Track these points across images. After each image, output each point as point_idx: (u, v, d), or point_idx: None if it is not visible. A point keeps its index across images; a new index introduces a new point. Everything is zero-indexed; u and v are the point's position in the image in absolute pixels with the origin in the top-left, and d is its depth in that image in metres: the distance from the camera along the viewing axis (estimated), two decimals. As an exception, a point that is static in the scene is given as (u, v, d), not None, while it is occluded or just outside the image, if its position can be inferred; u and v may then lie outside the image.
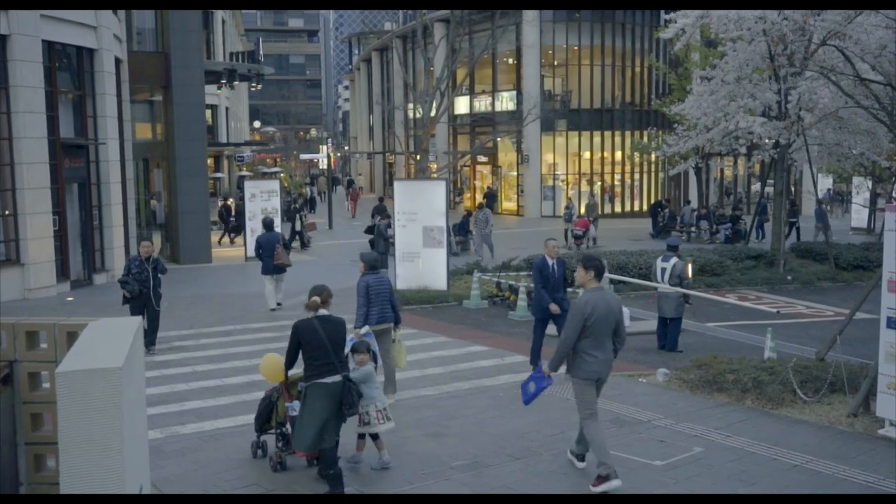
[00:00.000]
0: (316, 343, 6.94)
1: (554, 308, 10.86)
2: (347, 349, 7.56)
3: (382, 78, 59.67)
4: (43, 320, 3.92)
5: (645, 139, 38.56)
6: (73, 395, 3.03)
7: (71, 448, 3.05)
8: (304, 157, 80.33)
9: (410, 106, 44.74)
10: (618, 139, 42.99)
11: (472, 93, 44.49)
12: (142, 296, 12.34)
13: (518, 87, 41.92)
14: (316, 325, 7.00)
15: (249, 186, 25.49)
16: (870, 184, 32.70)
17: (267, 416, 7.85)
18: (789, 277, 20.47)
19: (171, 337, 13.59)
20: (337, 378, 6.96)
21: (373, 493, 7.04)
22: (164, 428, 8.83)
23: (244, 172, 43.79)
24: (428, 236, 17.27)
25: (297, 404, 7.38)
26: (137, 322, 3.80)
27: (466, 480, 7.31)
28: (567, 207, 30.31)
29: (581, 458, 7.67)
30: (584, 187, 43.31)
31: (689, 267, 13.55)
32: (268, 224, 16.68)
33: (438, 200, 17.34)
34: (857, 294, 12.08)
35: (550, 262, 11.07)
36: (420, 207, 17.38)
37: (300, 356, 7.13)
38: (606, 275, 14.47)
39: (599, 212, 33.85)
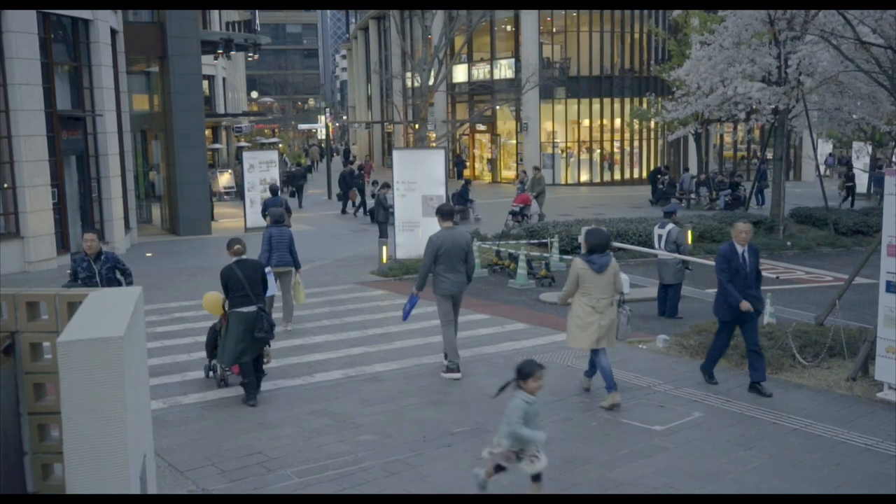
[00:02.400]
0: (235, 280, 8.75)
1: (745, 306, 8.76)
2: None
3: (380, 47, 59.21)
4: (44, 291, 3.91)
5: (644, 106, 38.38)
6: (74, 364, 3.04)
7: (73, 417, 3.06)
8: (302, 127, 80.00)
9: (408, 75, 44.47)
10: (617, 106, 42.79)
11: (470, 61, 44.17)
12: None
13: (516, 55, 41.64)
14: (234, 267, 8.83)
15: (248, 157, 25.49)
16: (870, 149, 32.61)
17: (213, 343, 9.38)
18: (788, 243, 20.47)
19: (172, 308, 13.64)
20: (252, 308, 8.71)
21: (373, 460, 7.10)
22: (166, 398, 8.89)
23: (242, 143, 43.58)
24: (427, 205, 17.26)
25: None
26: (138, 291, 3.80)
27: (468, 447, 7.36)
28: (521, 182, 26.74)
29: (449, 370, 9.54)
30: (584, 155, 43.23)
31: (689, 234, 13.53)
32: (273, 189, 18.70)
33: (437, 169, 17.32)
34: (857, 259, 12.08)
35: (740, 249, 8.97)
36: (419, 177, 17.36)
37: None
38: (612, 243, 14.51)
39: (546, 183, 27.93)
